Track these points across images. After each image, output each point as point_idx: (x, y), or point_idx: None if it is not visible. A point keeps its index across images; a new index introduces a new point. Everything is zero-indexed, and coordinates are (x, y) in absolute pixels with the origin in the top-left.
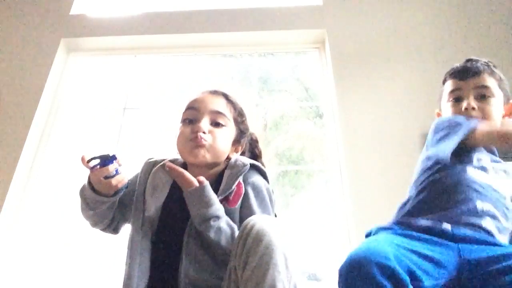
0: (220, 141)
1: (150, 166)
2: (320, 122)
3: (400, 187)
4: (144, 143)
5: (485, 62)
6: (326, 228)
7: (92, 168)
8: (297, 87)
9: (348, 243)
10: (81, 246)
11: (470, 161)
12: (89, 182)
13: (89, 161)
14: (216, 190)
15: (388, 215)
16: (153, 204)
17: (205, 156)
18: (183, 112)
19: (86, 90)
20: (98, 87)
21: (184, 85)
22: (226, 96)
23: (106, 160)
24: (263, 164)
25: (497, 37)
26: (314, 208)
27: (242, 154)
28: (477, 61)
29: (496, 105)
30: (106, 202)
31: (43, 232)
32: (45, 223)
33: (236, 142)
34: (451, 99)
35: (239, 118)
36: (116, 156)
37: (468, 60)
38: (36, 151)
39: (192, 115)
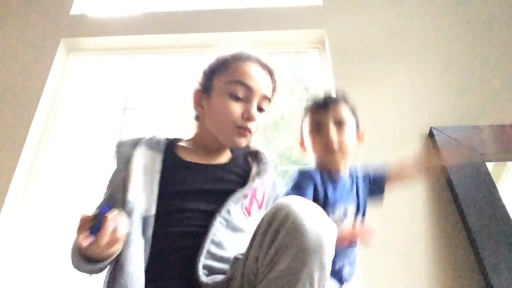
0: (258, 129)
1: (130, 147)
2: None
3: (400, 187)
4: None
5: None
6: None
7: (86, 244)
8: (297, 87)
9: None
10: None
11: None
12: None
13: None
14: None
15: (388, 215)
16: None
17: (244, 144)
18: (229, 82)
19: (86, 90)
20: (98, 87)
21: (184, 85)
22: (272, 74)
23: (99, 221)
24: None
25: (498, 36)
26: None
27: None
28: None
29: (351, 133)
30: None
31: (43, 232)
32: (45, 223)
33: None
34: (311, 130)
35: (273, 98)
36: (109, 205)
37: (324, 94)
38: (36, 151)
39: (243, 93)
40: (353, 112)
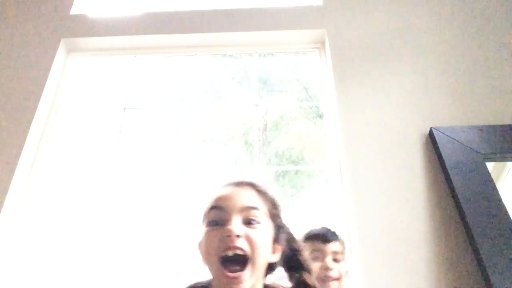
0: (260, 245)
1: None
2: (320, 122)
3: (400, 187)
4: (144, 143)
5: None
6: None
7: None
8: (297, 87)
9: (348, 243)
10: (81, 246)
11: None
12: None
13: None
14: None
15: (388, 215)
16: None
17: (246, 275)
18: (206, 214)
19: (86, 90)
20: (98, 87)
21: (184, 85)
22: (254, 186)
23: None
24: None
25: (498, 37)
26: (314, 208)
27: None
28: (329, 230)
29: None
30: None
31: (43, 232)
32: (45, 223)
33: (275, 241)
34: (312, 256)
35: (274, 210)
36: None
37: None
38: (36, 151)
39: (217, 216)
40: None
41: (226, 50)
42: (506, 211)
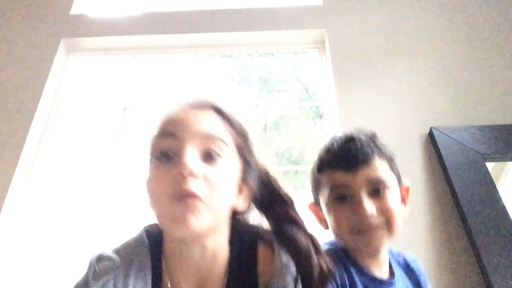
0: (220, 188)
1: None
2: (320, 122)
3: None
4: (144, 143)
5: (370, 138)
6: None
7: None
8: (297, 87)
9: None
10: (81, 246)
11: None
12: None
13: None
14: None
15: None
16: None
17: (201, 222)
18: (153, 143)
19: (86, 90)
20: (98, 87)
21: (184, 85)
22: (218, 110)
23: None
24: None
25: (498, 37)
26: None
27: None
28: (360, 140)
29: (395, 198)
30: None
31: (43, 232)
32: (45, 223)
33: (243, 180)
34: (333, 198)
35: (242, 142)
36: None
37: (349, 140)
38: (36, 151)
39: (167, 146)
40: (391, 162)
41: (226, 50)
42: (506, 211)
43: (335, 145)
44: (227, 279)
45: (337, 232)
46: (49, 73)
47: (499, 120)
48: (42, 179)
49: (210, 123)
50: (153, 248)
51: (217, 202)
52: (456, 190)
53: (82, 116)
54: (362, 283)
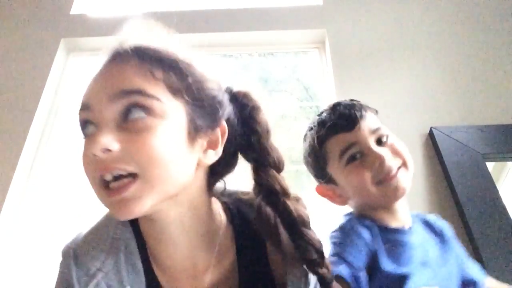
0: (155, 153)
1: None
2: None
3: None
4: None
5: (349, 99)
6: (326, 227)
7: None
8: (297, 87)
9: None
10: None
11: None
12: None
13: None
14: None
15: None
16: None
17: (142, 205)
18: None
19: None
20: None
21: None
22: (140, 52)
23: None
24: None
25: (498, 36)
26: (314, 207)
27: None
28: (344, 102)
29: (397, 140)
30: None
31: (43, 233)
32: (45, 224)
33: (196, 133)
34: (345, 161)
35: (179, 80)
36: None
37: (335, 107)
38: (36, 151)
39: (86, 120)
40: (377, 115)
41: (226, 50)
42: (506, 211)
43: (324, 116)
44: (235, 258)
45: (363, 189)
46: (49, 73)
47: (499, 120)
48: (42, 179)
49: (127, 76)
50: (133, 227)
51: (154, 171)
52: (456, 190)
53: None
54: (384, 239)
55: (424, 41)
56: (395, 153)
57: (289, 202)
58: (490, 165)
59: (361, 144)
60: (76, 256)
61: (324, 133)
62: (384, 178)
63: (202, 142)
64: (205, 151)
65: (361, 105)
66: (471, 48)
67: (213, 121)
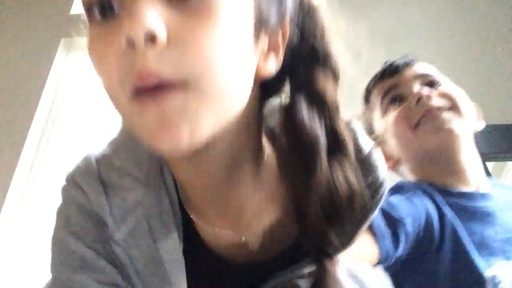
0: (217, 50)
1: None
2: None
3: None
4: None
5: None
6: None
7: None
8: None
9: None
10: None
11: None
12: None
13: None
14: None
15: None
16: None
17: (195, 131)
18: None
19: (86, 90)
20: (98, 87)
21: None
22: None
23: None
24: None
25: (498, 36)
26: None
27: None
28: (398, 58)
29: (454, 86)
30: None
31: (43, 233)
32: (45, 223)
33: (261, 25)
34: (386, 104)
35: None
36: None
37: (387, 62)
38: (36, 151)
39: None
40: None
41: None
42: None
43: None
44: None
45: (401, 136)
46: (49, 72)
47: (499, 120)
48: (42, 179)
49: None
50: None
51: (217, 78)
52: None
53: (82, 115)
54: (452, 205)
55: (424, 41)
56: (443, 94)
57: (339, 122)
58: (490, 165)
59: (402, 87)
60: (104, 179)
61: (369, 85)
62: (421, 121)
63: (264, 41)
64: (266, 55)
65: (412, 57)
66: (471, 48)
67: (278, 14)
